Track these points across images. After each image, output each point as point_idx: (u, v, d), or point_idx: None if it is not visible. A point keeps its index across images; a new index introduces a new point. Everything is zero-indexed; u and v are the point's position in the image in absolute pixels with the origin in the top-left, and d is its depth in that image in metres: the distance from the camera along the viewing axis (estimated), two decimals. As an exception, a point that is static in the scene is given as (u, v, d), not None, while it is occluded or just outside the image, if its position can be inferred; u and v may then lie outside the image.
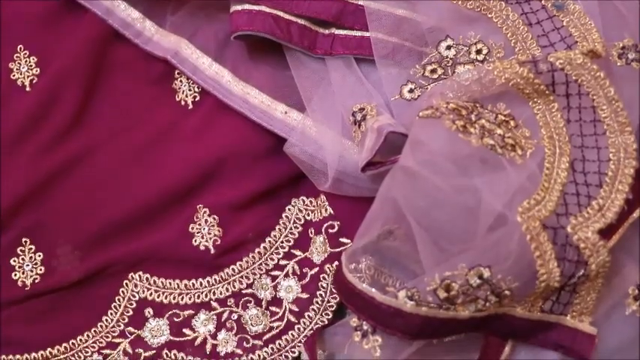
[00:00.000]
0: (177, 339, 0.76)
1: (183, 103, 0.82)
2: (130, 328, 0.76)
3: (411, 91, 0.75)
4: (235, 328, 0.76)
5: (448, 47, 0.75)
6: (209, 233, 0.78)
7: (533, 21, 0.73)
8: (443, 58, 0.75)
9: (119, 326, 0.76)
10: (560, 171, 0.66)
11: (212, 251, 0.78)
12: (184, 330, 0.76)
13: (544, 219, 0.63)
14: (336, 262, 0.74)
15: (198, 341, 0.76)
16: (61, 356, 0.76)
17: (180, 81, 0.82)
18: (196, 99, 0.82)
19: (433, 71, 0.75)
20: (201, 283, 0.77)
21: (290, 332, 0.75)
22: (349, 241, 0.75)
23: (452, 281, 0.61)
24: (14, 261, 0.78)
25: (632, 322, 0.67)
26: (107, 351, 0.76)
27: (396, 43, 0.76)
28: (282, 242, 0.78)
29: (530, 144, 0.67)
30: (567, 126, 0.68)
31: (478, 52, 0.74)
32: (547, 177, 0.66)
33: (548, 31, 0.72)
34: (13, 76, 0.82)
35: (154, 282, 0.77)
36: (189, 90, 0.82)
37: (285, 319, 0.76)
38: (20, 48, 0.82)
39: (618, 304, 0.67)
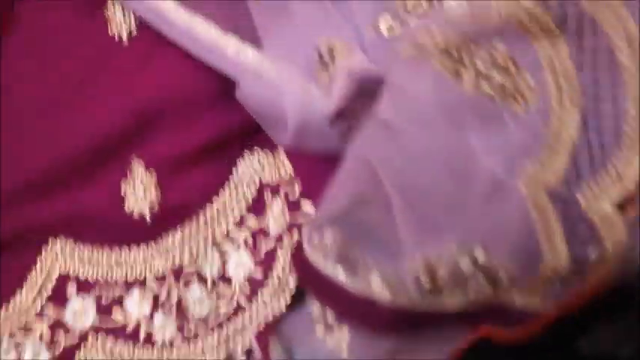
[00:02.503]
0: (105, 323, 0.69)
1: (117, 37, 0.76)
2: (50, 310, 0.69)
3: (389, 26, 0.70)
4: (175, 311, 0.69)
5: (435, -27, 0.70)
6: (144, 196, 0.71)
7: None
8: (429, -12, 0.70)
9: (35, 307, 0.69)
10: (569, 128, 0.61)
11: (148, 217, 0.70)
12: (114, 312, 0.69)
13: (551, 187, 0.58)
14: (297, 235, 0.68)
15: (130, 326, 0.69)
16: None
17: (114, 8, 0.76)
18: (132, 33, 0.76)
19: (416, 6, 0.70)
20: (134, 257, 0.70)
21: (240, 318, 0.68)
22: (312, 208, 0.68)
23: (437, 264, 0.57)
24: None
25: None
26: (20, 335, 0.68)
27: (372, -36, 0.71)
28: (232, 208, 0.71)
29: (534, 94, 0.62)
30: (579, 73, 0.62)
31: (472, -20, 0.69)
32: (555, 136, 0.60)
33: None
34: None
35: (78, 255, 0.70)
36: (124, 22, 0.76)
37: (235, 303, 0.69)
38: None
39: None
